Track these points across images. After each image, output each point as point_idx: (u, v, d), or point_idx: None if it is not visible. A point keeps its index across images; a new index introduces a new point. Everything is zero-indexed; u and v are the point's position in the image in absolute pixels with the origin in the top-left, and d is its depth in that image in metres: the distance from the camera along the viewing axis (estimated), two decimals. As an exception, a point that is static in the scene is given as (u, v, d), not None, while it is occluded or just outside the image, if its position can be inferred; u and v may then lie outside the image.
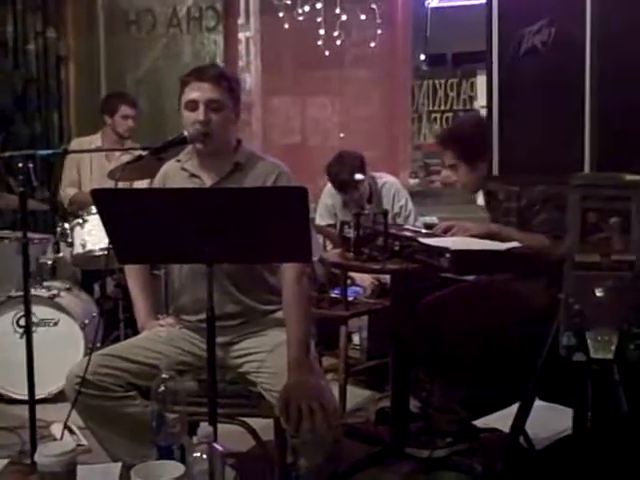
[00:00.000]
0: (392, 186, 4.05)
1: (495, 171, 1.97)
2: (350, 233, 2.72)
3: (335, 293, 3.61)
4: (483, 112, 2.21)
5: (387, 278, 3.47)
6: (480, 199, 4.69)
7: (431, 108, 5.27)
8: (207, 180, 2.36)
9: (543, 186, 2.62)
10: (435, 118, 5.27)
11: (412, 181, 5.37)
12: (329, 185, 3.97)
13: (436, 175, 5.28)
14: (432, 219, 4.50)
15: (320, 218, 4.10)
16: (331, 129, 5.57)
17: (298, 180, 2.38)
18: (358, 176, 3.56)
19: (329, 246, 3.84)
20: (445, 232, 2.74)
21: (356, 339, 3.86)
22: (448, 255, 2.35)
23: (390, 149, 5.45)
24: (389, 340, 2.90)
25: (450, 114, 5.18)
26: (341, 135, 5.53)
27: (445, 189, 5.16)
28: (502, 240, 2.59)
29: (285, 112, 5.58)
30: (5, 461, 1.87)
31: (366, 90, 5.48)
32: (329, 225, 3.96)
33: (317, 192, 4.15)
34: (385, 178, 4.10)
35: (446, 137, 2.97)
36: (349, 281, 3.64)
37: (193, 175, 2.39)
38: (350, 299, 3.51)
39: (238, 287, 2.35)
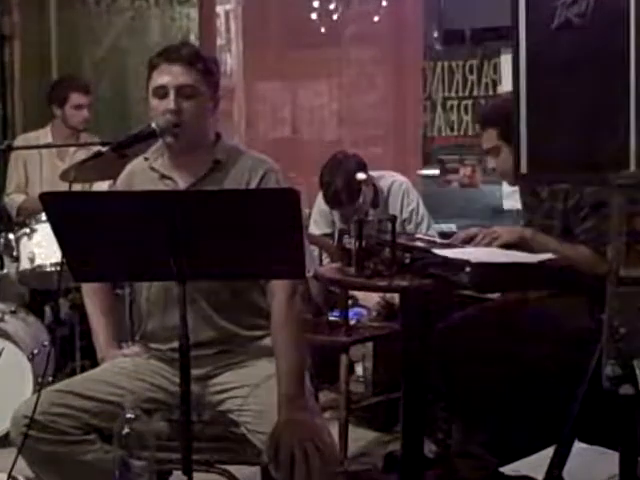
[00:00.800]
0: (401, 187, 4.06)
1: (523, 168, 1.97)
2: (351, 244, 2.72)
3: (334, 316, 3.61)
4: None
5: (396, 297, 3.47)
6: (507, 203, 4.71)
7: (446, 94, 5.27)
8: (181, 182, 2.37)
9: (596, 187, 2.61)
10: (451, 106, 5.27)
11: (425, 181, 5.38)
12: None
13: (454, 174, 5.28)
14: (449, 227, 4.50)
15: (315, 226, 4.10)
16: (328, 119, 5.58)
17: (289, 181, 2.39)
18: (360, 175, 3.56)
19: (326, 259, 3.84)
20: (466, 242, 2.74)
21: (359, 370, 3.85)
22: (469, 269, 2.35)
23: (398, 143, 5.45)
24: (399, 371, 2.90)
25: (469, 101, 5.18)
26: (340, 127, 5.54)
27: (465, 191, 5.18)
28: (534, 249, 2.59)
29: (273, 99, 5.59)
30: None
31: (369, 73, 5.50)
32: (326, 234, 3.96)
33: (311, 195, 4.16)
34: (392, 178, 4.11)
35: (489, 113, 2.97)
36: (350, 301, 3.64)
37: (164, 176, 2.39)
38: (352, 322, 3.51)
39: (217, 309, 2.35)
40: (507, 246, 2.66)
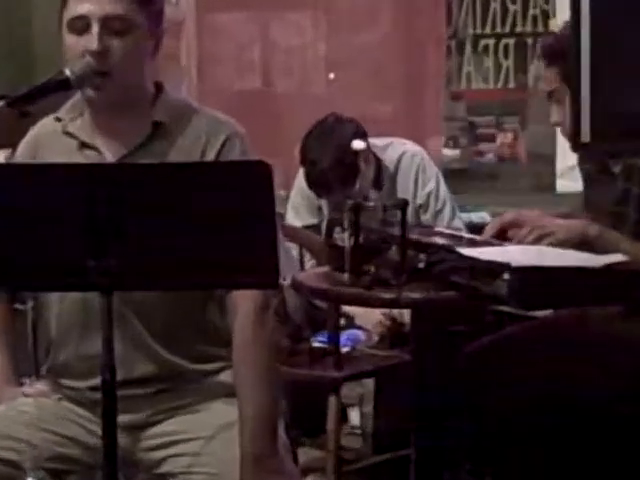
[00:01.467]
0: (414, 160, 4.07)
1: (585, 136, 1.98)
2: (344, 240, 2.72)
3: (319, 341, 3.62)
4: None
5: (406, 315, 3.48)
6: (562, 183, 4.73)
7: (479, 32, 5.28)
8: (108, 152, 2.38)
9: None
10: (486, 47, 5.28)
11: (448, 152, 5.39)
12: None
13: (488, 142, 5.30)
14: (481, 216, 4.51)
15: (295, 215, 4.10)
16: (313, 66, 5.59)
17: (258, 152, 2.39)
18: (357, 144, 3.57)
19: (309, 261, 3.85)
20: (503, 236, 2.75)
21: (355, 418, 3.86)
22: (508, 276, 2.36)
23: (411, 99, 5.47)
24: (409, 419, 2.91)
25: (510, 41, 5.19)
26: (330, 76, 5.55)
27: (503, 166, 5.19)
28: (600, 250, 2.60)
29: (235, 37, 5.59)
30: None
31: (371, 2, 5.50)
32: (309, 226, 3.96)
33: (290, 171, 4.16)
34: (402, 147, 4.12)
35: (550, 46, 2.94)
36: (343, 320, 3.65)
37: (84, 144, 2.39)
38: (344, 350, 3.52)
39: (155, 332, 2.35)
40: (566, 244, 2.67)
